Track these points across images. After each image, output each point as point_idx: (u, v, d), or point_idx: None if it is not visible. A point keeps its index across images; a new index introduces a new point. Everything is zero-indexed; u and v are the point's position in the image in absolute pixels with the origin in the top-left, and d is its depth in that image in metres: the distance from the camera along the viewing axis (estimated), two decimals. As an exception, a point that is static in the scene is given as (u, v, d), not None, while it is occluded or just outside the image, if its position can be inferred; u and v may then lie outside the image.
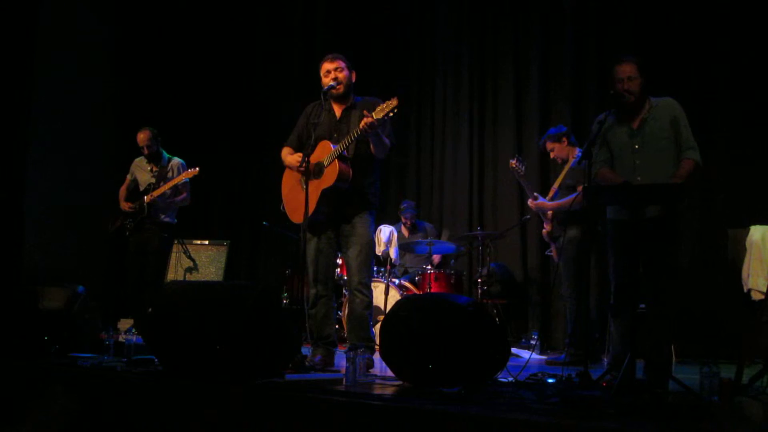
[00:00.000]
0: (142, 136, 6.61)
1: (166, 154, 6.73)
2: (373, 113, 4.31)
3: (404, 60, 8.33)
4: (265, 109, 8.68)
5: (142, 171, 6.73)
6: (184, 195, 6.64)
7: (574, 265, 5.63)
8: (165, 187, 6.44)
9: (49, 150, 7.67)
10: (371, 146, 4.50)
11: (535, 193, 5.87)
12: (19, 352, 4.43)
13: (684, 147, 4.12)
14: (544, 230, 6.00)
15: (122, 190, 6.76)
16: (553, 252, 6.02)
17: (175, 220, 6.71)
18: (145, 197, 6.48)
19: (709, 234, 6.20)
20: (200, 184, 8.91)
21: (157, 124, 6.94)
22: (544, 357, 6.12)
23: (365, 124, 4.30)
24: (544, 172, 7.21)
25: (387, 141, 4.57)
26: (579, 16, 7.22)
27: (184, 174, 6.48)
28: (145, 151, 6.63)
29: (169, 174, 6.59)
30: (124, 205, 6.61)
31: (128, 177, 6.80)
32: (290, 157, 4.76)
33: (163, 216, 6.56)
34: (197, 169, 6.49)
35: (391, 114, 4.29)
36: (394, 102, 4.28)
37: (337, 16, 8.58)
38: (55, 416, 3.75)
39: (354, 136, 4.41)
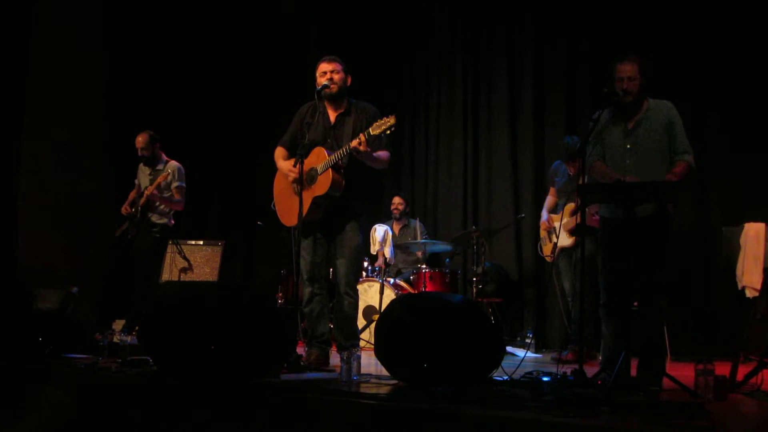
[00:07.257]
0: (140, 140, 6.59)
1: (164, 158, 6.69)
2: (370, 129, 4.34)
3: (398, 58, 8.32)
4: (259, 109, 8.66)
5: (142, 175, 6.74)
6: (179, 198, 6.57)
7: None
8: (152, 187, 6.39)
9: (43, 152, 7.63)
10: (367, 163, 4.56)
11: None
12: (14, 354, 4.42)
13: (678, 150, 4.09)
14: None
15: (131, 195, 6.76)
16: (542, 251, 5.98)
17: (172, 222, 6.67)
18: (140, 200, 6.48)
19: (704, 232, 6.21)
20: (195, 185, 8.90)
21: (153, 125, 6.92)
22: (539, 355, 6.11)
23: (356, 150, 4.34)
24: (538, 170, 7.21)
25: (383, 155, 4.60)
26: (573, 14, 7.23)
27: (161, 177, 6.40)
28: (140, 154, 6.61)
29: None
30: (123, 209, 6.63)
31: (136, 182, 6.81)
32: (283, 162, 4.78)
33: (155, 217, 6.53)
34: (168, 173, 6.44)
35: (388, 132, 4.32)
36: (391, 120, 4.29)
37: (330, 14, 8.57)
38: (49, 417, 3.74)
39: (347, 150, 4.42)
